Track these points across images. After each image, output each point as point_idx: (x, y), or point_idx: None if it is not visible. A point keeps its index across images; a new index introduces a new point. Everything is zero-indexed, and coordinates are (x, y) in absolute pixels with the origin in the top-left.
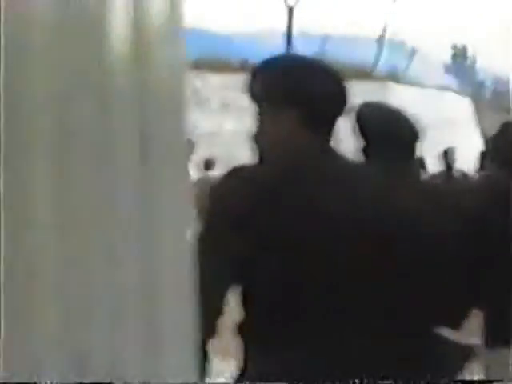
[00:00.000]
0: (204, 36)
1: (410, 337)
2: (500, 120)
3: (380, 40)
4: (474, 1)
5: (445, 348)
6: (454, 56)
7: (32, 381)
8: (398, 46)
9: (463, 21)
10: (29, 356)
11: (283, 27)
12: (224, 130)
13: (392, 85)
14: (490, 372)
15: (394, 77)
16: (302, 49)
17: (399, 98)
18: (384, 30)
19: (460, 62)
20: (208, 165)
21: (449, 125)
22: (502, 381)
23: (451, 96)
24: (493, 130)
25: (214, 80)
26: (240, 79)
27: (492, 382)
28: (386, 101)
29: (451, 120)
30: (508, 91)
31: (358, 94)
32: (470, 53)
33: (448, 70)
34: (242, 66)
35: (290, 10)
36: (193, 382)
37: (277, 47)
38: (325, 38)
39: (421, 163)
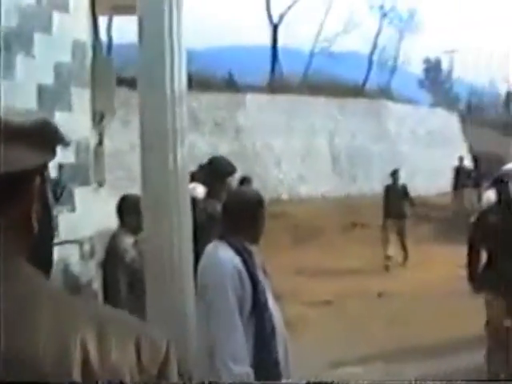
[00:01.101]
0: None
1: None
2: (482, 134)
3: (370, 56)
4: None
5: None
6: (427, 70)
7: None
8: (384, 61)
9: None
10: None
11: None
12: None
13: (384, 102)
14: None
15: (385, 93)
16: (289, 65)
17: (391, 115)
18: (374, 46)
19: (434, 76)
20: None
21: (439, 141)
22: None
23: (440, 112)
24: (478, 144)
25: (203, 98)
26: (227, 98)
27: (499, 380)
28: (378, 118)
29: (441, 136)
30: (482, 103)
31: (351, 112)
32: (444, 65)
33: (421, 83)
34: (228, 84)
35: (275, 28)
36: None
37: (264, 64)
38: (312, 54)
39: (404, 190)
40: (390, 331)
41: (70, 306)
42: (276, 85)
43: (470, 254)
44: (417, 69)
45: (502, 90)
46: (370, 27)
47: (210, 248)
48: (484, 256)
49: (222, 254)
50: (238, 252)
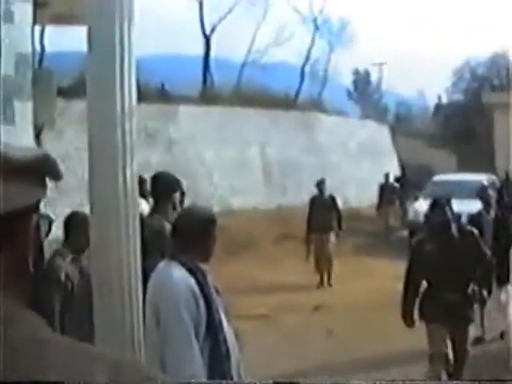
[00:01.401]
0: None
1: None
2: (411, 145)
3: (302, 68)
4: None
5: None
6: (355, 82)
7: None
8: (316, 73)
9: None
10: None
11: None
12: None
13: (315, 114)
14: None
15: (316, 105)
16: (221, 77)
17: (322, 127)
18: (307, 58)
19: (363, 87)
20: None
21: (370, 152)
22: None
23: (371, 124)
24: (406, 154)
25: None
26: (159, 108)
27: (505, 381)
28: (309, 130)
29: (372, 148)
30: (411, 114)
31: (283, 124)
32: (372, 77)
33: (351, 95)
34: (160, 94)
35: (207, 38)
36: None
37: (196, 74)
38: (244, 66)
39: (332, 201)
40: (329, 344)
41: (77, 353)
42: (208, 96)
43: (406, 288)
44: (347, 80)
45: (431, 101)
46: (303, 39)
47: (162, 267)
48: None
49: (175, 274)
50: (191, 272)
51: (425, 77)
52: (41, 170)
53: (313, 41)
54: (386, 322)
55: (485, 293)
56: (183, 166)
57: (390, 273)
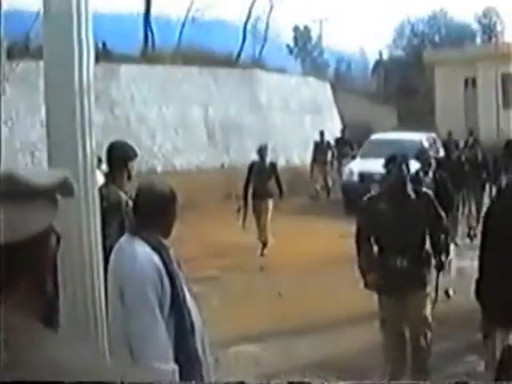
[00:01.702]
0: None
1: None
2: (351, 101)
3: (245, 26)
4: None
5: None
6: (296, 38)
7: None
8: (257, 31)
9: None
10: None
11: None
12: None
13: (257, 72)
14: None
15: (258, 64)
16: (162, 35)
17: (263, 85)
18: (248, 16)
19: (302, 44)
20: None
21: (311, 110)
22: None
23: (312, 82)
24: (347, 112)
25: None
26: (101, 68)
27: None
28: (250, 88)
29: (314, 105)
30: (351, 71)
31: (225, 83)
32: (313, 33)
33: (290, 52)
34: (102, 54)
35: None
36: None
37: (137, 33)
38: (186, 23)
39: (273, 167)
40: (278, 306)
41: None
42: (149, 55)
43: (357, 242)
44: (288, 38)
45: (372, 58)
46: None
47: (125, 243)
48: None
49: (139, 251)
50: (155, 249)
51: (365, 33)
52: (60, 192)
53: None
54: (335, 280)
55: (443, 257)
56: (126, 127)
57: (333, 232)
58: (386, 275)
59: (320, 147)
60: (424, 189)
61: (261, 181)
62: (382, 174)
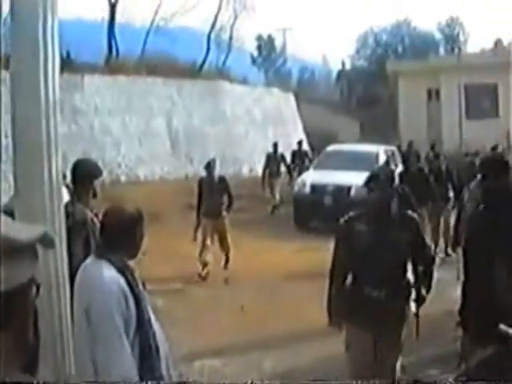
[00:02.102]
0: None
1: None
2: (314, 112)
3: (209, 35)
4: None
5: None
6: (259, 47)
7: None
8: (221, 41)
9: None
10: None
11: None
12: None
13: (221, 83)
14: None
15: (222, 74)
16: (126, 45)
17: (228, 95)
18: (213, 25)
19: (266, 53)
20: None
21: (275, 121)
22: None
23: (276, 92)
24: (310, 122)
25: None
26: (64, 78)
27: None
28: (214, 99)
29: (277, 116)
30: (314, 80)
31: (189, 93)
32: (276, 43)
33: (254, 61)
34: (65, 63)
35: (112, 5)
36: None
37: (101, 42)
38: (150, 31)
39: (223, 183)
40: (240, 320)
41: None
42: (113, 65)
43: (332, 271)
44: (251, 47)
45: (335, 67)
46: (209, 6)
47: (91, 266)
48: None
49: (106, 274)
50: (121, 271)
51: (328, 43)
52: (41, 245)
53: (219, 8)
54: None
55: (423, 292)
56: (89, 137)
57: (290, 246)
58: (359, 306)
59: (273, 159)
60: (410, 211)
61: (211, 198)
62: (334, 186)
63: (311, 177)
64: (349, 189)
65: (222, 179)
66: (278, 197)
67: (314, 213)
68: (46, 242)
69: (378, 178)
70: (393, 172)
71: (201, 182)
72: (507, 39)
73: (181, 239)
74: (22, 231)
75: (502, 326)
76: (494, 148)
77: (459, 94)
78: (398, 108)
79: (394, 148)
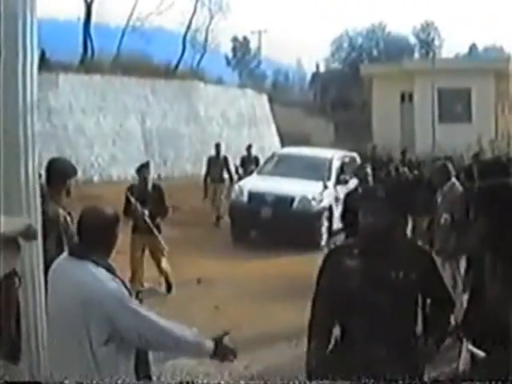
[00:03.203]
0: None
1: None
2: (288, 114)
3: (184, 36)
4: None
5: None
6: (234, 49)
7: None
8: (196, 42)
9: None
10: None
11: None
12: None
13: (196, 83)
14: None
15: (197, 75)
16: (101, 44)
17: (202, 96)
18: (188, 26)
19: (241, 55)
20: None
21: (249, 122)
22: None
23: (250, 93)
24: (284, 124)
25: None
26: (39, 77)
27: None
28: (189, 99)
29: (251, 117)
30: (289, 83)
31: (163, 93)
32: (251, 45)
33: (229, 63)
34: (40, 62)
35: (88, 5)
36: None
37: (76, 41)
38: (125, 31)
39: (158, 189)
40: (216, 319)
41: None
42: (88, 64)
43: (312, 321)
44: (227, 49)
45: (309, 70)
46: (184, 7)
47: (72, 265)
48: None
49: (98, 272)
50: (109, 270)
51: (303, 45)
52: (23, 237)
53: (195, 9)
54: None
55: (434, 343)
56: (63, 136)
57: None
58: (350, 371)
59: (215, 163)
60: (419, 243)
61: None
62: (275, 196)
63: (250, 183)
64: (292, 200)
65: (157, 187)
66: (222, 205)
67: (252, 225)
68: (30, 234)
69: (372, 199)
70: (368, 175)
71: (131, 189)
72: (482, 44)
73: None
74: (5, 224)
75: (471, 347)
76: (476, 155)
77: (432, 98)
78: (371, 111)
79: (355, 155)
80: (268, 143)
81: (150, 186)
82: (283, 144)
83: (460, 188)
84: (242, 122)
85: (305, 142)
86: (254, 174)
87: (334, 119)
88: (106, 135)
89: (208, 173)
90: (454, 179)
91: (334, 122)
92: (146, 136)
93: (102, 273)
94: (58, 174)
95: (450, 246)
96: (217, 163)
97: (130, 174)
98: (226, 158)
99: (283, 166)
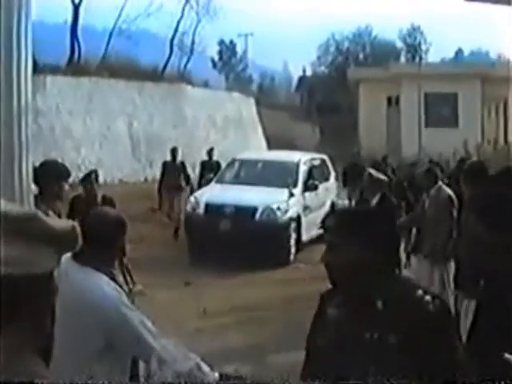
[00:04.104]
0: None
1: None
2: (274, 117)
3: (172, 39)
4: None
5: None
6: (221, 52)
7: None
8: (184, 45)
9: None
10: None
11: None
12: None
13: (183, 86)
14: None
15: (184, 78)
16: (88, 46)
17: (189, 99)
18: (176, 29)
19: (227, 58)
20: None
21: (236, 125)
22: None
23: (237, 97)
24: (270, 127)
25: None
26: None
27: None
28: (176, 102)
29: (238, 120)
30: (275, 86)
31: (150, 96)
32: (238, 48)
33: (215, 66)
34: None
35: (76, 7)
36: None
37: (63, 43)
38: (113, 33)
39: (109, 201)
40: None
41: None
42: (75, 66)
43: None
44: (213, 52)
45: (296, 73)
46: (172, 10)
47: (75, 270)
48: None
49: (102, 279)
50: (111, 279)
51: (290, 49)
52: (67, 239)
53: (182, 12)
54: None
55: None
56: (50, 138)
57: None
58: None
59: (171, 169)
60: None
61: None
62: (234, 207)
63: (208, 194)
64: (254, 211)
65: (107, 199)
66: (179, 216)
67: (210, 240)
68: (73, 238)
69: (355, 224)
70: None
71: (77, 200)
72: (468, 49)
73: (141, 243)
74: (55, 222)
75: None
76: (463, 160)
77: (419, 102)
78: (358, 115)
79: (324, 156)
80: (254, 146)
81: (98, 199)
82: (270, 147)
83: (447, 191)
84: (228, 125)
85: (291, 145)
86: (213, 183)
87: (320, 123)
88: (93, 138)
89: (162, 179)
90: (440, 182)
91: (321, 126)
92: (133, 139)
93: (103, 280)
94: (50, 176)
95: (438, 249)
96: (173, 168)
97: (117, 176)
98: (182, 163)
99: (244, 173)
